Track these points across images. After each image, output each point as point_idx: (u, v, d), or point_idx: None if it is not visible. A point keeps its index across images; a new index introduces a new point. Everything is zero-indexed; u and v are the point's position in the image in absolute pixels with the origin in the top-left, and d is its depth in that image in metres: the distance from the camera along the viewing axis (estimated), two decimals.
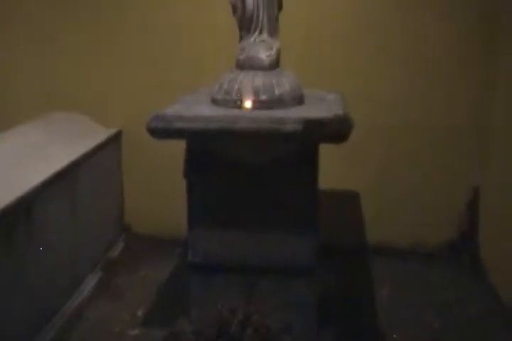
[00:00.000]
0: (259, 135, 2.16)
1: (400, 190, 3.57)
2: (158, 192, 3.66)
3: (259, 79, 2.35)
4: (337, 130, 2.15)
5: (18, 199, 2.39)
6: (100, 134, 3.45)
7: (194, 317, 2.48)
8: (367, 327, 2.84)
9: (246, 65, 2.40)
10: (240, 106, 2.33)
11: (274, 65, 2.42)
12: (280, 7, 2.43)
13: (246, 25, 2.42)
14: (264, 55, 2.40)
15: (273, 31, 2.43)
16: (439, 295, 3.13)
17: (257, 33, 2.41)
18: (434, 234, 3.57)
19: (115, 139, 3.56)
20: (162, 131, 2.23)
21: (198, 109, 2.37)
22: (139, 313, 2.94)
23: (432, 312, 2.94)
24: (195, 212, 2.43)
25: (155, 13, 3.54)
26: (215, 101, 2.42)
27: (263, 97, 2.33)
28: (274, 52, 2.42)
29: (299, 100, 2.43)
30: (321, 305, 2.53)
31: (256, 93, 2.32)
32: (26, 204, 2.48)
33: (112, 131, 3.55)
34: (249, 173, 2.33)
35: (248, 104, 2.32)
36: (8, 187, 2.47)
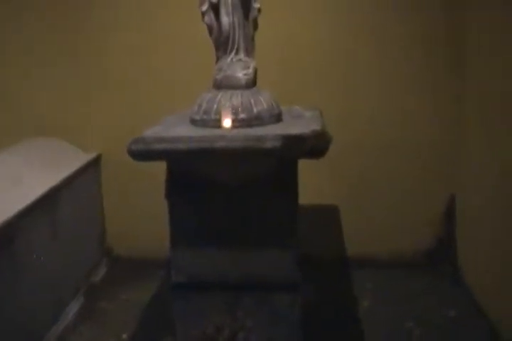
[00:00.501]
0: (239, 153, 2.17)
1: (378, 202, 3.62)
2: (140, 214, 3.66)
3: (237, 98, 2.36)
4: (315, 145, 2.16)
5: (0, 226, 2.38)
6: (79, 159, 3.46)
7: (179, 337, 2.47)
8: (349, 338, 2.86)
9: (223, 85, 2.42)
10: (219, 126, 2.34)
11: (251, 83, 2.44)
12: (255, 27, 2.45)
13: (222, 45, 2.43)
14: (241, 74, 2.42)
15: (249, 50, 2.45)
16: (419, 303, 3.18)
17: (233, 52, 2.43)
18: (412, 244, 3.63)
19: (95, 163, 3.57)
20: (143, 154, 2.22)
21: (177, 130, 2.37)
22: (124, 336, 2.93)
23: (413, 320, 2.99)
24: (178, 232, 2.42)
25: (134, 35, 3.58)
26: (194, 122, 2.43)
27: (242, 116, 2.34)
28: (251, 71, 2.44)
29: (277, 117, 2.45)
30: (304, 318, 2.53)
31: (234, 112, 2.33)
32: (8, 231, 2.47)
33: (91, 155, 3.56)
34: (230, 191, 2.34)
35: (227, 123, 2.33)
36: None
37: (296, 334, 2.49)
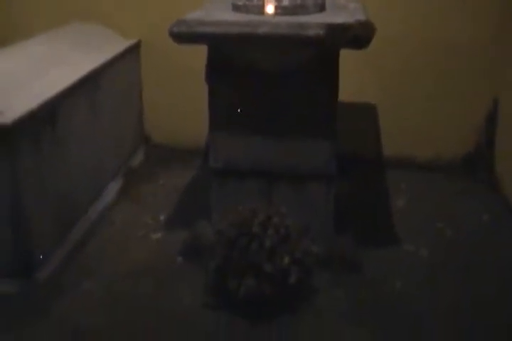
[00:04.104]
0: (281, 40, 2.16)
1: (418, 102, 3.57)
2: (177, 103, 3.69)
3: None
4: (358, 35, 2.14)
5: (42, 105, 2.43)
6: (119, 44, 3.45)
7: (215, 220, 2.57)
8: (382, 233, 2.92)
9: None
10: (262, 12, 2.32)
11: None
12: None
13: None
14: None
15: None
16: (454, 205, 3.20)
17: None
18: (451, 148, 3.60)
19: (134, 49, 3.56)
20: (185, 36, 2.22)
21: (220, 14, 2.36)
22: (161, 218, 3.04)
23: (446, 221, 3.02)
24: (216, 117, 2.46)
25: None
26: (236, 8, 2.41)
27: (285, 3, 2.32)
28: None
29: (321, 7, 2.42)
30: (338, 211, 2.60)
31: None
32: (51, 110, 2.53)
33: (131, 41, 3.54)
34: (270, 79, 2.35)
35: (270, 9, 2.30)
36: (32, 93, 2.50)
37: (329, 223, 2.58)
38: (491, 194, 3.32)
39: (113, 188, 3.25)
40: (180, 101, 3.68)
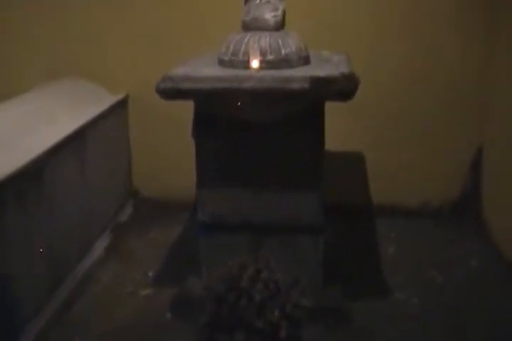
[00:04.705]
0: (267, 94, 2.19)
1: (404, 150, 3.61)
2: (166, 156, 3.71)
3: (265, 39, 2.35)
4: (343, 88, 2.17)
5: (30, 162, 2.43)
6: (107, 99, 3.48)
7: (204, 275, 2.54)
8: (372, 283, 2.91)
9: (252, 26, 2.41)
10: (247, 67, 2.35)
11: (280, 25, 2.43)
12: None
13: None
14: (269, 16, 2.41)
15: None
16: (443, 252, 3.20)
17: None
18: (438, 194, 3.63)
19: (122, 104, 3.60)
20: (171, 92, 2.24)
21: (205, 70, 2.38)
22: (150, 273, 3.01)
23: (436, 268, 3.01)
24: (203, 171, 2.47)
25: None
26: (222, 63, 2.44)
27: (270, 57, 2.34)
28: (279, 13, 2.43)
29: (305, 60, 2.44)
30: (327, 261, 2.58)
31: (263, 53, 2.33)
32: (37, 168, 2.52)
33: (118, 96, 3.58)
34: (255, 132, 2.37)
35: (255, 64, 2.33)
36: (19, 150, 2.50)
37: (318, 274, 2.55)
38: (479, 239, 3.33)
39: (101, 244, 3.22)
40: (168, 155, 3.69)
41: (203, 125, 2.40)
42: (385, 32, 3.47)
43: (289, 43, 2.40)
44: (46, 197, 2.61)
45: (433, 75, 3.49)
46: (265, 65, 2.34)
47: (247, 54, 2.35)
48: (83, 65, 3.65)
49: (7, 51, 3.73)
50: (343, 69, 2.31)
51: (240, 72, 2.29)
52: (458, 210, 3.61)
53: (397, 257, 3.16)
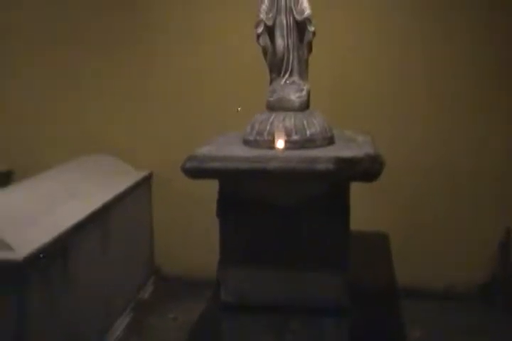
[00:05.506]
0: (292, 174, 2.18)
1: (430, 231, 3.56)
2: (188, 234, 3.70)
3: (290, 120, 2.38)
4: (368, 168, 2.16)
5: (54, 240, 2.45)
6: (131, 176, 3.52)
7: None
8: None
9: (277, 107, 2.44)
10: (272, 147, 2.36)
11: (305, 106, 2.46)
12: (310, 50, 2.47)
13: (276, 67, 2.46)
14: (294, 97, 2.44)
15: (303, 73, 2.48)
16: (471, 336, 3.10)
17: (287, 74, 2.46)
18: (466, 276, 3.55)
19: (146, 181, 3.63)
20: (196, 171, 2.25)
21: (230, 149, 2.40)
22: None
23: None
24: (227, 251, 2.44)
25: (183, 58, 3.65)
26: (246, 142, 2.46)
27: (295, 138, 2.35)
28: (304, 93, 2.46)
29: (330, 140, 2.46)
30: None
31: (287, 133, 2.35)
32: (62, 245, 2.53)
33: (142, 173, 3.62)
34: (281, 212, 2.35)
35: (280, 144, 2.34)
36: (44, 227, 2.52)
37: None
38: (509, 324, 3.21)
39: (122, 322, 3.17)
40: (191, 233, 3.69)
41: (228, 204, 2.39)
42: (407, 112, 3.50)
43: (314, 123, 2.42)
44: (69, 274, 2.60)
45: (457, 159, 3.49)
46: (290, 145, 2.35)
47: (272, 134, 2.36)
48: (108, 143, 3.72)
49: (33, 128, 3.82)
50: (368, 149, 2.31)
51: (265, 152, 2.30)
52: (486, 293, 3.51)
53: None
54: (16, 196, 2.82)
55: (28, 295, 2.29)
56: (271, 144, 2.36)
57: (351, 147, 2.40)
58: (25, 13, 3.79)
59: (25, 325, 2.29)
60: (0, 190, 2.94)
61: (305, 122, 2.39)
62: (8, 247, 2.28)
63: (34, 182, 3.05)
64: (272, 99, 2.47)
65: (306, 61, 2.49)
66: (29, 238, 2.38)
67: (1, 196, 2.81)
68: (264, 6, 2.43)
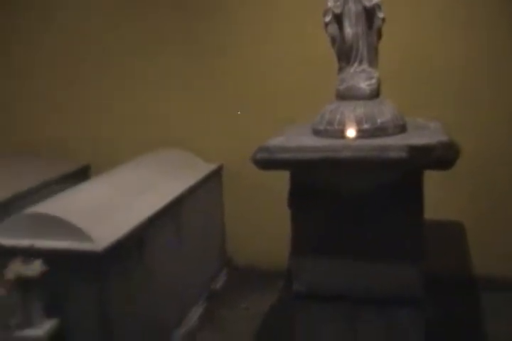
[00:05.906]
0: (364, 163, 2.17)
1: (507, 219, 3.46)
2: (259, 225, 3.71)
3: (360, 108, 2.36)
4: (442, 156, 2.12)
5: (131, 232, 2.52)
6: (202, 169, 3.56)
7: None
8: None
9: (347, 95, 2.42)
10: (343, 136, 2.34)
11: (375, 94, 2.43)
12: (379, 37, 2.43)
13: (345, 55, 2.44)
14: (364, 85, 2.41)
15: (372, 61, 2.44)
16: None
17: (356, 63, 2.43)
18: None
19: (217, 173, 3.67)
20: (267, 162, 2.26)
21: (301, 139, 2.39)
22: None
23: None
24: (300, 241, 2.43)
25: (255, 47, 3.66)
26: (317, 132, 2.45)
27: (365, 126, 2.33)
28: (374, 81, 2.42)
29: (401, 128, 2.42)
30: (429, 338, 2.45)
31: (358, 122, 2.32)
32: (138, 237, 2.59)
33: (213, 165, 3.65)
34: (353, 202, 2.33)
35: (351, 133, 2.32)
36: (121, 220, 2.60)
37: None
38: None
39: (196, 312, 3.22)
40: (262, 224, 3.70)
41: (300, 195, 2.39)
42: (473, 99, 3.42)
43: (384, 112, 2.38)
44: (146, 264, 2.67)
45: None
46: (361, 133, 2.32)
47: (342, 123, 2.35)
48: (178, 135, 3.78)
49: (110, 125, 3.93)
50: (441, 136, 2.26)
51: (336, 142, 2.29)
52: None
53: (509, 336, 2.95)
54: (96, 189, 2.91)
55: (106, 284, 2.36)
56: (341, 134, 2.35)
57: (424, 135, 2.36)
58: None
59: (105, 314, 2.37)
60: (79, 183, 3.02)
61: (375, 110, 2.37)
62: (88, 239, 2.36)
63: (112, 176, 3.13)
64: (341, 87, 2.45)
65: (376, 48, 2.46)
66: (107, 230, 2.45)
67: (81, 189, 2.90)
68: None
